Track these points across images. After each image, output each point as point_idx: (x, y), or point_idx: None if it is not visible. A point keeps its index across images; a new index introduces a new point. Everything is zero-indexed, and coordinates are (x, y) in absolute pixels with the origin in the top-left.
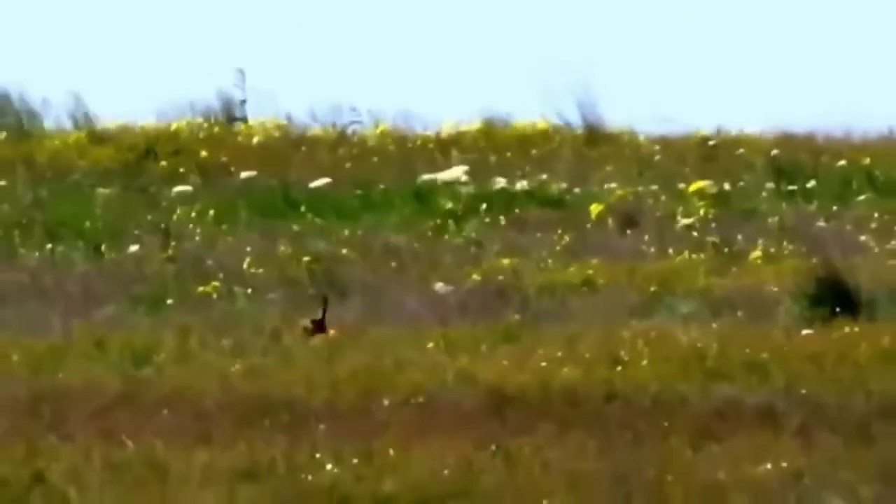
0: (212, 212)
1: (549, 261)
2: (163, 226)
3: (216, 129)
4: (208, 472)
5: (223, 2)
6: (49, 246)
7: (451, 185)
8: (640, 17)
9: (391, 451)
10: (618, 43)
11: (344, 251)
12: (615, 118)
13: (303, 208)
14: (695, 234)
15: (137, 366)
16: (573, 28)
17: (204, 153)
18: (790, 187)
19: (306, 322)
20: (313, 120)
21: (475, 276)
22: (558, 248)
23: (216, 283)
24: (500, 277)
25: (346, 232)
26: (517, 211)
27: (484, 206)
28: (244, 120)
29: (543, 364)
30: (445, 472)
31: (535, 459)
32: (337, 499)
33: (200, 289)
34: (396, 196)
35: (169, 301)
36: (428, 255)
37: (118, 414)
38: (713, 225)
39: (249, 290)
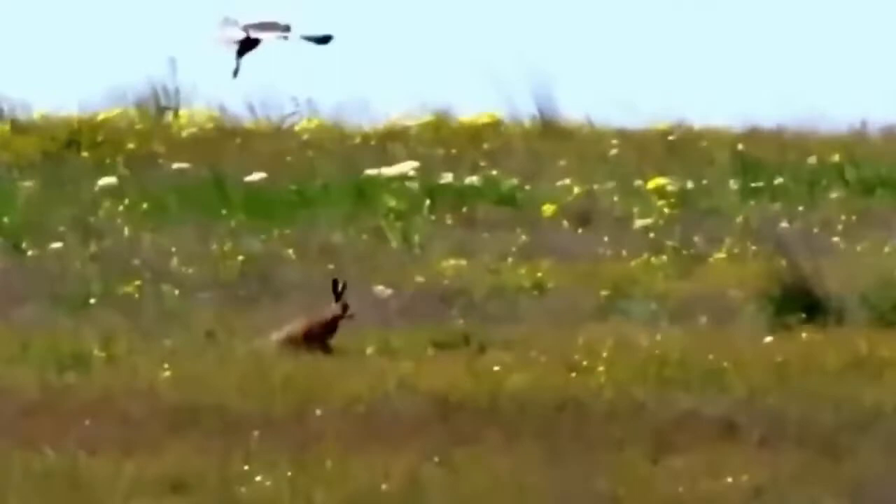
0: (140, 206)
1: (500, 262)
2: (87, 221)
3: (146, 119)
4: (135, 483)
5: None
6: None
7: (395, 180)
8: (598, 1)
9: (328, 462)
10: (573, 30)
11: (280, 250)
12: (571, 110)
13: (237, 204)
14: (653, 234)
15: (60, 370)
16: (526, 14)
17: (132, 144)
18: (756, 185)
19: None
20: (249, 111)
21: (419, 279)
22: (512, 248)
23: (142, 283)
24: (446, 281)
25: (283, 230)
26: (465, 209)
27: (429, 203)
28: (175, 110)
29: (492, 370)
30: (386, 484)
31: (482, 471)
32: None
33: (126, 288)
34: (336, 192)
35: (93, 301)
36: (369, 256)
37: (39, 421)
38: (673, 225)
39: (178, 291)
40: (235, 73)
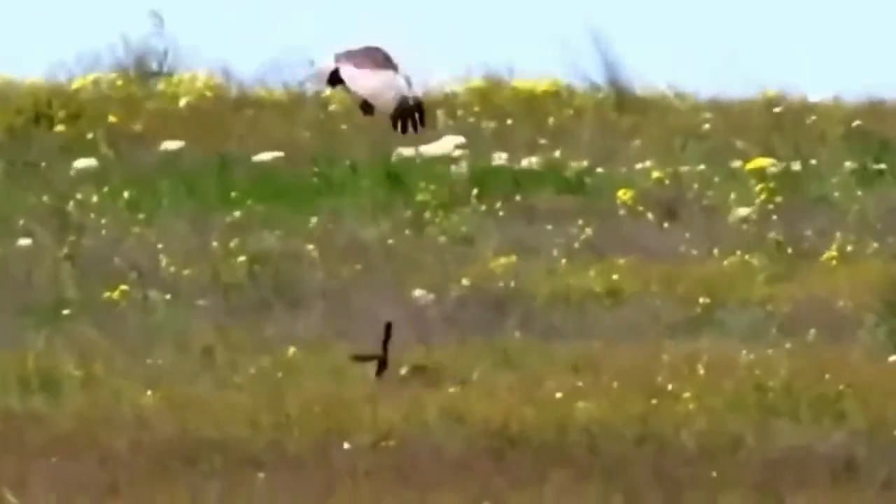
0: (125, 194)
1: (563, 261)
2: (61, 212)
3: (129, 87)
4: None
5: None
6: None
7: (437, 162)
8: None
9: None
10: None
11: (297, 247)
12: (652, 78)
13: (244, 190)
14: (752, 228)
15: (26, 395)
16: None
17: (113, 118)
18: (875, 167)
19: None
20: (258, 77)
21: (465, 282)
22: (576, 245)
23: (128, 288)
24: (499, 284)
25: (301, 222)
26: (522, 197)
27: (478, 190)
28: (166, 76)
29: (555, 396)
30: None
31: None
32: None
33: (107, 294)
34: (366, 176)
35: (67, 311)
36: (405, 254)
37: (1, 458)
38: (776, 216)
39: (171, 297)
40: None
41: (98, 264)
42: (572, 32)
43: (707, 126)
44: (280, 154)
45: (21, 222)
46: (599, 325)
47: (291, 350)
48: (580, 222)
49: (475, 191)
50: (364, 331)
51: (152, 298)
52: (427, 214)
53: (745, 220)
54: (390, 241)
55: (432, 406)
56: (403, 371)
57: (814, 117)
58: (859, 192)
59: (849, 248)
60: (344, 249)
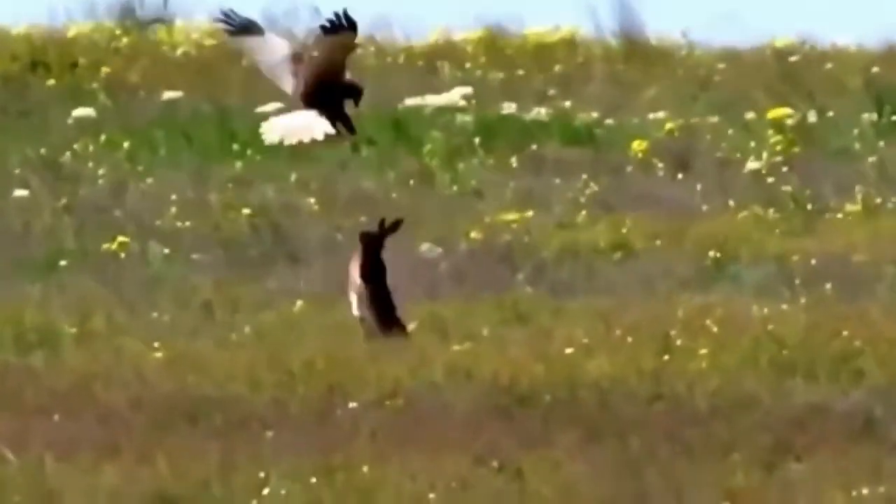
0: (123, 145)
1: (574, 215)
2: (58, 163)
3: (127, 35)
4: (116, 495)
5: None
6: None
7: (443, 112)
8: None
9: (361, 469)
10: None
11: (298, 200)
12: (663, 25)
13: (244, 142)
14: (768, 181)
15: (22, 351)
16: None
17: (110, 67)
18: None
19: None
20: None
21: (473, 235)
22: (585, 198)
23: (126, 240)
24: (508, 238)
25: (303, 174)
26: (531, 148)
27: (485, 141)
28: (165, 23)
29: (566, 352)
30: (433, 494)
31: (552, 480)
32: None
33: (106, 246)
34: (370, 127)
35: (64, 263)
36: (411, 207)
37: None
38: (792, 169)
39: (171, 250)
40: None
41: (96, 216)
42: None
43: (719, 77)
44: (282, 105)
45: (17, 172)
46: (610, 280)
47: (293, 305)
48: (590, 175)
49: (483, 142)
50: None
51: (151, 251)
52: (433, 166)
53: (759, 172)
54: (395, 194)
55: (440, 363)
56: (411, 327)
57: (830, 66)
58: (881, 144)
59: (869, 201)
60: (346, 202)
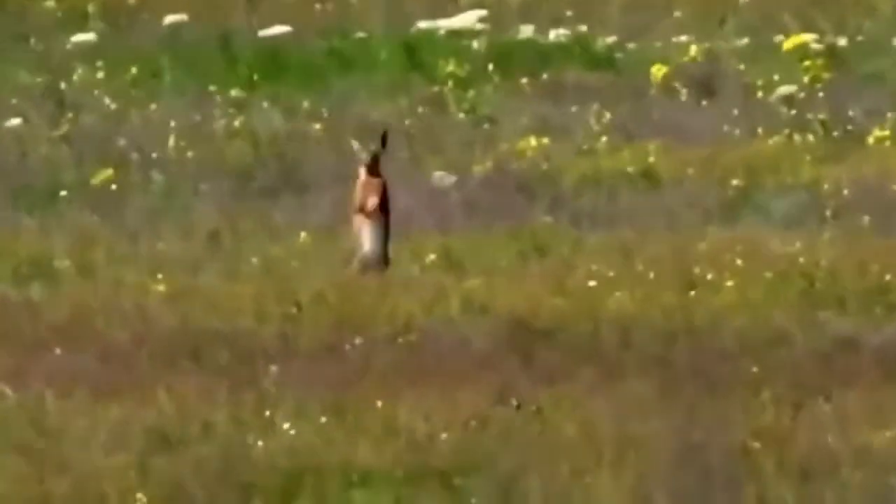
0: (124, 71)
1: (594, 143)
2: (57, 90)
3: None
4: (117, 433)
5: None
6: None
7: (457, 36)
8: None
9: (373, 407)
10: None
11: (306, 127)
12: None
13: (250, 68)
14: (796, 107)
15: (20, 283)
16: None
17: None
18: None
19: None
20: None
21: (489, 164)
22: (605, 125)
23: (127, 170)
24: (525, 166)
25: (311, 101)
26: (548, 74)
27: (501, 66)
28: None
29: (587, 286)
30: (447, 434)
31: (573, 417)
32: (296, 471)
33: (106, 177)
34: (382, 51)
35: (63, 193)
36: (424, 134)
37: None
38: (822, 95)
39: (174, 180)
40: None
41: (95, 145)
42: None
43: None
44: (288, 28)
45: (13, 101)
46: (633, 210)
47: (301, 237)
48: (610, 101)
49: (498, 67)
50: None
51: (154, 181)
52: (447, 92)
53: (788, 98)
54: (407, 121)
55: (455, 297)
56: (428, 259)
57: None
58: None
59: None
60: (356, 130)
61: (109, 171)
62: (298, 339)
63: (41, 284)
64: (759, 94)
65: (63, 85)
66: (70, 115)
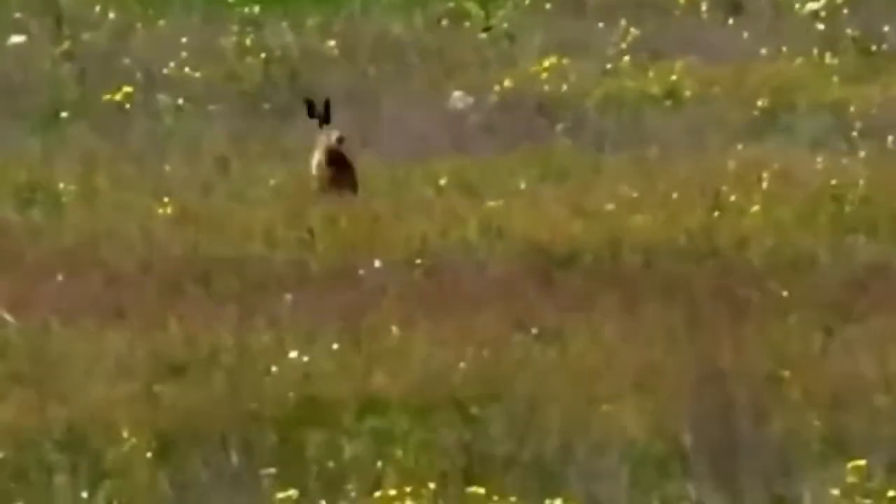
0: None
1: (618, 62)
2: (58, 6)
3: None
4: (123, 361)
5: None
6: None
7: None
8: None
9: (388, 334)
10: None
11: (318, 45)
12: None
13: None
14: (825, 24)
15: (21, 207)
16: None
17: None
18: None
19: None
20: None
21: (508, 83)
22: (628, 43)
23: (133, 90)
24: (545, 86)
25: (323, 17)
26: None
27: None
28: None
29: (608, 209)
30: (465, 363)
31: (594, 344)
32: (307, 400)
33: (110, 97)
34: None
35: (65, 115)
36: (440, 52)
37: None
38: (851, 11)
39: (182, 100)
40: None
41: (100, 64)
42: None
43: None
44: None
45: (16, 16)
46: (657, 130)
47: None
48: (637, 19)
49: None
50: (394, 139)
51: (160, 102)
52: (465, 9)
53: (816, 15)
54: (424, 39)
55: (472, 221)
56: (442, 182)
57: None
58: None
59: None
60: (371, 47)
61: (114, 93)
62: (310, 264)
63: (44, 208)
64: (786, 11)
65: (64, 0)
66: (72, 31)
